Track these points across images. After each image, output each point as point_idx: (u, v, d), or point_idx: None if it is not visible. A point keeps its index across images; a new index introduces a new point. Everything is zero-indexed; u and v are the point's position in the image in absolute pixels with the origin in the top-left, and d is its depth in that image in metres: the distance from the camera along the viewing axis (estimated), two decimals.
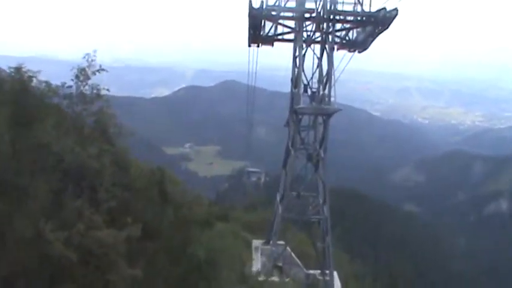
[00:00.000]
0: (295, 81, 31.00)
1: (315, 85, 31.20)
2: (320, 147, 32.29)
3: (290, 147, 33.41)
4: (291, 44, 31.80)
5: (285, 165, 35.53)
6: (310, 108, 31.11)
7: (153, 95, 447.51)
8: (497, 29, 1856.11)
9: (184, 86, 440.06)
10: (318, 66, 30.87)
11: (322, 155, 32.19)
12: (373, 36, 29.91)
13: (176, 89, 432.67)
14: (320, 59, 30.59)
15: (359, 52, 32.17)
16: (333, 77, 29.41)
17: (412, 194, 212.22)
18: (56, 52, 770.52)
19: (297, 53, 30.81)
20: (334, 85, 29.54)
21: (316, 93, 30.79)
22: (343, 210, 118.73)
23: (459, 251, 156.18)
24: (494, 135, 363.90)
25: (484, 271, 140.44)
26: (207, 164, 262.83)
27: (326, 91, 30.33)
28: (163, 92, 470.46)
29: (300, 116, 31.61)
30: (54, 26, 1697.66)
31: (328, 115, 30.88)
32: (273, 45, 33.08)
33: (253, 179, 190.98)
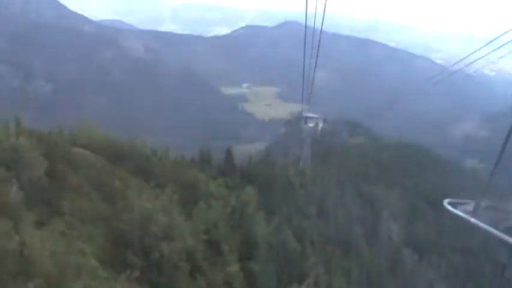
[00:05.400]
0: None
1: None
2: None
3: None
4: None
5: None
6: None
7: (212, 34, 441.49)
8: None
9: (244, 25, 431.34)
10: None
11: None
12: None
13: (236, 28, 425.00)
14: None
15: None
16: None
17: (474, 149, 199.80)
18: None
19: None
20: None
21: None
22: (404, 167, 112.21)
23: None
24: None
25: None
26: (264, 105, 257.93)
27: None
28: (223, 31, 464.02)
29: None
30: None
31: None
32: None
33: (311, 124, 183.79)
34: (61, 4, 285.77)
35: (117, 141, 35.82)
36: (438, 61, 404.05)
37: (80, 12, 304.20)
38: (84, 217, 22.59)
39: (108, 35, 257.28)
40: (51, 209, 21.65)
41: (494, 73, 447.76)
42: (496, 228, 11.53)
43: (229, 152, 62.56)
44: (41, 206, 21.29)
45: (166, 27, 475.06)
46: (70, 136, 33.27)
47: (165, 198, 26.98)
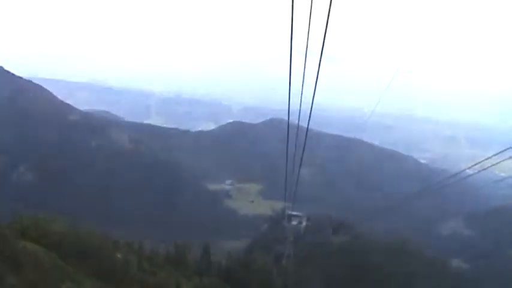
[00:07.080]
0: None
1: None
2: None
3: None
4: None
5: None
6: None
7: (199, 128, 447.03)
8: None
9: (231, 121, 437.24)
10: None
11: None
12: None
13: (223, 123, 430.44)
14: None
15: None
16: None
17: (459, 248, 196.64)
18: (107, 79, 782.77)
19: None
20: None
21: None
22: (392, 269, 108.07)
23: None
24: None
25: None
26: (247, 201, 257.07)
27: None
28: (210, 125, 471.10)
29: None
30: (107, 53, 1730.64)
31: None
32: None
33: (294, 222, 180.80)
34: (49, 93, 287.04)
35: (76, 235, 31.71)
36: (422, 160, 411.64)
37: (67, 101, 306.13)
38: None
39: (93, 125, 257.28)
40: None
41: (476, 171, 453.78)
42: None
43: (206, 249, 58.67)
44: None
45: (153, 120, 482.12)
46: (20, 228, 29.15)
47: None
